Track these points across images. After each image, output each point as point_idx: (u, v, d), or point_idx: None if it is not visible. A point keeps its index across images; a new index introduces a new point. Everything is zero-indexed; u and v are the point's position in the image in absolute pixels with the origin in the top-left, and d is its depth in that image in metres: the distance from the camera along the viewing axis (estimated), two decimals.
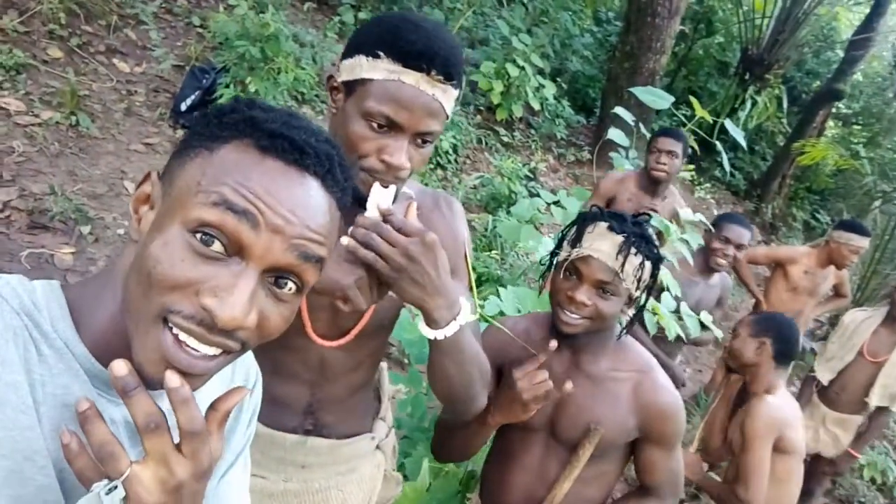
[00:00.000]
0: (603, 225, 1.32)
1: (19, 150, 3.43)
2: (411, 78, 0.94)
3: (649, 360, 1.46)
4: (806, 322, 3.99)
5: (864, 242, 3.62)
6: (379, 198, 0.93)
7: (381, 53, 0.94)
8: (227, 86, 4.33)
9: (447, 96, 0.99)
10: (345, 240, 0.87)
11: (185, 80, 4.41)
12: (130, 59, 4.50)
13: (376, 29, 0.98)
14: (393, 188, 0.97)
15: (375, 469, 1.39)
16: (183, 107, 4.28)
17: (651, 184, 3.26)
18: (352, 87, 0.99)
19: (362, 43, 0.97)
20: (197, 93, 4.30)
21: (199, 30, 5.00)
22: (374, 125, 0.96)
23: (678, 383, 2.92)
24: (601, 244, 1.29)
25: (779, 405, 2.20)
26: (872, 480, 4.53)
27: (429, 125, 0.98)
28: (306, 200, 0.63)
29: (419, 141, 0.99)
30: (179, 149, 0.65)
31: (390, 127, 0.97)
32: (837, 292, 4.02)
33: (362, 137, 0.97)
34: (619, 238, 1.29)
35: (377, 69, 0.95)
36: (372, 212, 0.92)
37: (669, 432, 1.43)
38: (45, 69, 3.94)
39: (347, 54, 1.00)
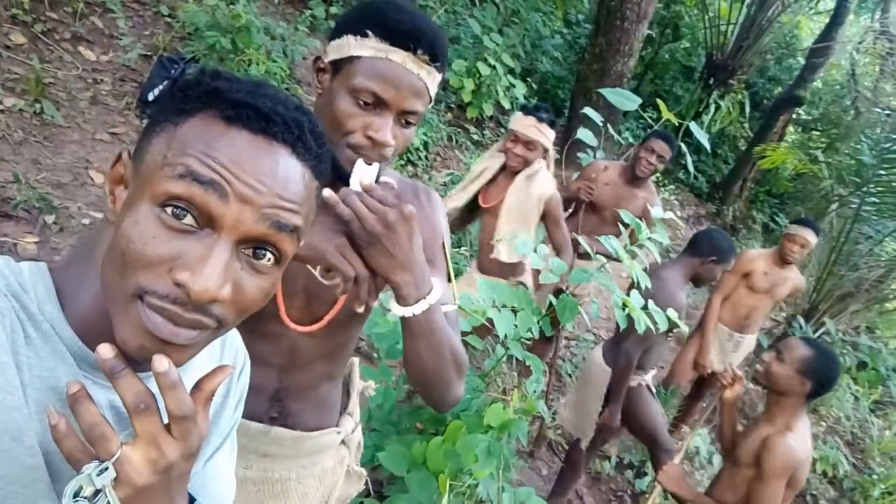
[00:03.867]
0: None
1: None
2: (398, 56, 0.96)
3: None
4: (761, 319, 4.11)
5: (808, 234, 3.75)
6: (362, 174, 0.95)
7: (370, 32, 0.96)
8: None
9: (431, 78, 1.01)
10: (326, 191, 0.88)
11: (153, 70, 4.33)
12: (97, 47, 4.41)
13: (364, 10, 1.00)
14: (376, 166, 0.98)
15: (338, 464, 1.39)
16: (150, 96, 4.20)
17: (634, 177, 3.38)
18: (339, 65, 1.00)
19: (350, 23, 0.99)
20: (165, 83, 4.22)
21: (168, 19, 4.92)
22: (361, 102, 0.98)
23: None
24: None
25: (797, 446, 2.18)
26: (824, 474, 4.69)
27: (413, 104, 0.99)
28: (275, 169, 0.61)
29: (403, 121, 1.01)
30: (147, 126, 0.65)
31: (376, 104, 0.98)
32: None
33: (349, 114, 0.98)
34: None
35: (365, 47, 0.97)
36: (355, 187, 0.93)
37: None
38: (8, 55, 3.84)
39: (334, 36, 1.01)
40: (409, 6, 1.01)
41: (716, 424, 2.96)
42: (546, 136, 2.85)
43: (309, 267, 0.94)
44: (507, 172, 2.94)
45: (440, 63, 1.01)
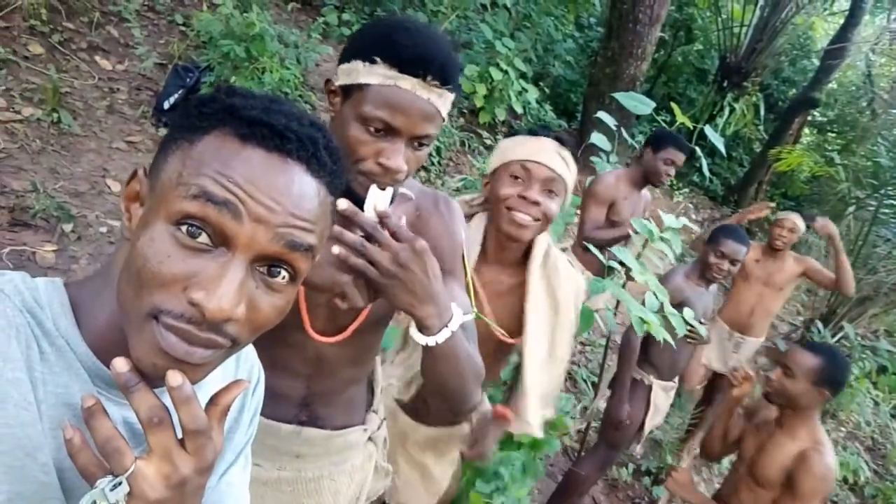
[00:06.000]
0: None
1: (0, 147, 3.39)
2: (407, 83, 0.95)
3: None
4: (767, 319, 4.05)
5: (796, 218, 3.83)
6: (376, 199, 0.94)
7: (378, 59, 0.95)
8: (211, 85, 4.31)
9: (443, 100, 1.00)
10: (336, 249, 0.88)
11: (168, 79, 4.38)
12: (112, 56, 4.46)
13: (372, 34, 0.99)
14: (390, 190, 0.97)
15: (367, 460, 1.41)
16: (166, 105, 4.25)
17: (642, 181, 3.36)
18: (349, 91, 1.00)
19: (359, 48, 0.98)
20: (180, 91, 4.27)
21: (182, 28, 4.97)
22: (371, 129, 0.97)
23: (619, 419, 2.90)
24: None
25: (832, 461, 2.11)
26: (845, 480, 4.62)
27: (425, 129, 0.99)
28: (289, 187, 0.61)
29: (415, 144, 1.00)
30: (163, 143, 0.64)
31: (387, 131, 0.97)
32: (821, 282, 4.02)
33: (360, 141, 0.98)
34: None
35: (373, 74, 0.95)
36: (369, 213, 0.92)
37: None
38: (26, 65, 3.90)
39: (344, 59, 1.00)
40: (419, 27, 0.99)
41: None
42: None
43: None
44: None
45: (451, 84, 0.99)
